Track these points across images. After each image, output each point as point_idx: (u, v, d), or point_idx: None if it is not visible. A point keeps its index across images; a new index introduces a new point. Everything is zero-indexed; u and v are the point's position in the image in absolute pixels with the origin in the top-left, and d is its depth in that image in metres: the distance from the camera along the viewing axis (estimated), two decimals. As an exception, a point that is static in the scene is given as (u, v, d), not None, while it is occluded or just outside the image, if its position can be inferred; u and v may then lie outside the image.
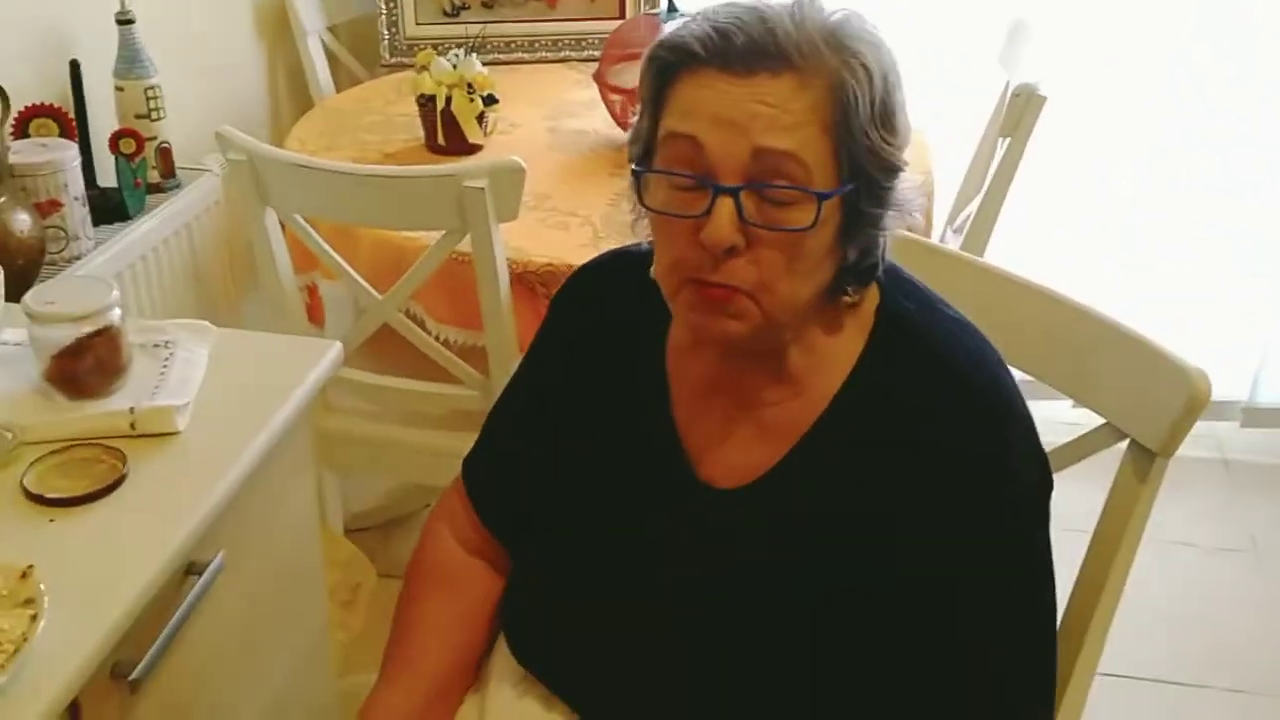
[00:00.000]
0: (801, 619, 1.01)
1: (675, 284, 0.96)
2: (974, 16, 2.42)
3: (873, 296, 1.03)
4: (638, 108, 1.00)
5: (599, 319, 1.13)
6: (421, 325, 1.79)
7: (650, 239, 1.00)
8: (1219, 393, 1.22)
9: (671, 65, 0.93)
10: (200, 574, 1.06)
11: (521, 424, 1.18)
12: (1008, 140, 1.97)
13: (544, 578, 1.13)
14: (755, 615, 1.02)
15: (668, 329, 1.09)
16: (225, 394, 1.20)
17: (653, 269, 0.99)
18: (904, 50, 0.97)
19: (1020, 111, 1.90)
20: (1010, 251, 2.11)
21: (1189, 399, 1.14)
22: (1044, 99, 1.91)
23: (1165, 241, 2.56)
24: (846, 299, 1.00)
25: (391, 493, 2.39)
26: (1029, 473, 1.00)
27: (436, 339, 1.78)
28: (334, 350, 1.28)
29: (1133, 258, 2.56)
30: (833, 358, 1.01)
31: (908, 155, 0.97)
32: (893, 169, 0.95)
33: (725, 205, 0.90)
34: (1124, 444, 1.23)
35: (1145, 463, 1.20)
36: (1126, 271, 2.54)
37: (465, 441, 1.84)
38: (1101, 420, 1.25)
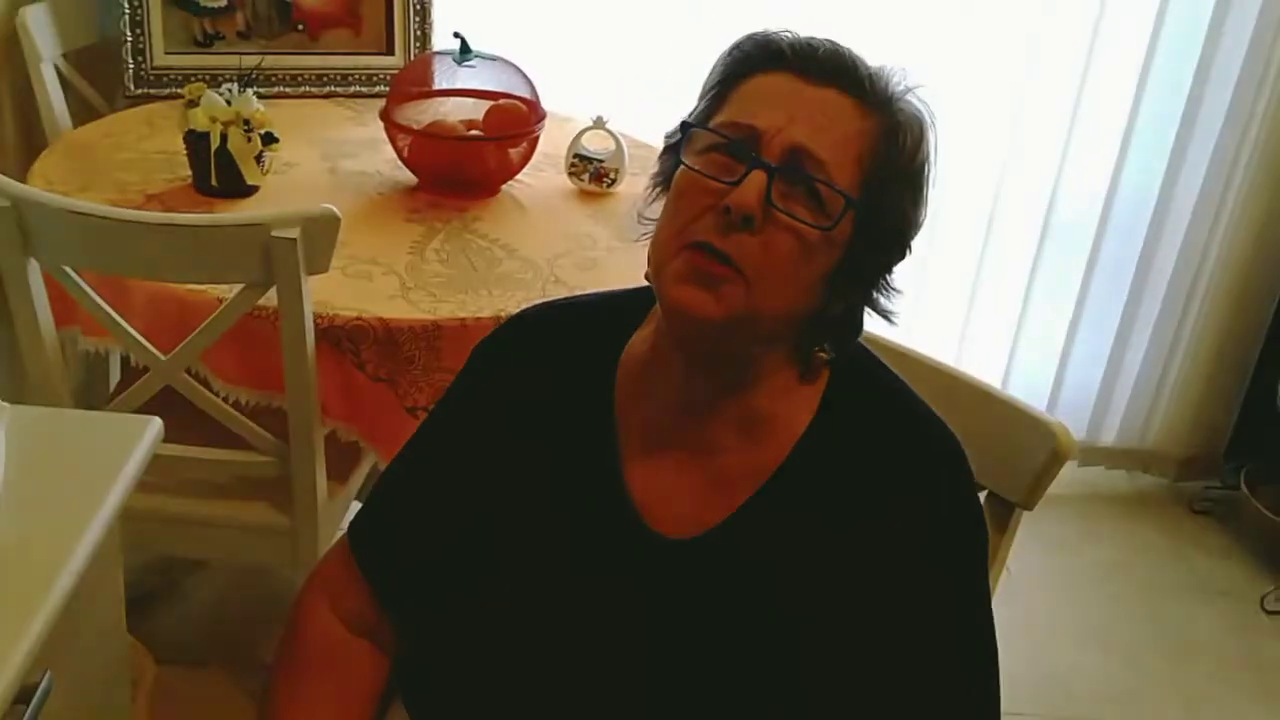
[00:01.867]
0: (759, 672, 0.97)
1: (674, 250, 0.94)
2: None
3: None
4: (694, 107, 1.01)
5: (532, 371, 1.07)
6: (206, 385, 1.63)
7: (646, 233, 1.00)
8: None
9: (753, 60, 0.97)
10: (28, 702, 0.90)
11: (431, 485, 1.09)
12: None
13: (465, 649, 1.04)
14: (710, 669, 0.98)
15: (615, 377, 1.04)
16: (33, 485, 1.02)
17: (649, 248, 0.98)
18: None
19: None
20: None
21: (1052, 453, 1.19)
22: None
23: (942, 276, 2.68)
24: (822, 355, 1.00)
25: (146, 567, 2.17)
26: (981, 530, 1.03)
27: (225, 401, 1.62)
28: (153, 428, 1.13)
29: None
30: (794, 407, 1.01)
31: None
32: (902, 239, 0.98)
33: (757, 178, 0.92)
34: (982, 495, 1.27)
35: (1005, 514, 1.24)
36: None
37: (254, 513, 1.73)
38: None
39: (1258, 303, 2.66)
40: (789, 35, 0.97)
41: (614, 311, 1.08)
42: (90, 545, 0.99)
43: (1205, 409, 2.76)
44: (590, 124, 2.02)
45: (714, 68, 1.00)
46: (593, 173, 2.02)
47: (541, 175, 2.06)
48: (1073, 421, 2.77)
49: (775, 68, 0.96)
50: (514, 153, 1.99)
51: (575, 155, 2.03)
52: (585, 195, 2.02)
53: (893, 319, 1.02)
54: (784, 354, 1.00)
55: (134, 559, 2.13)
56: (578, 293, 1.66)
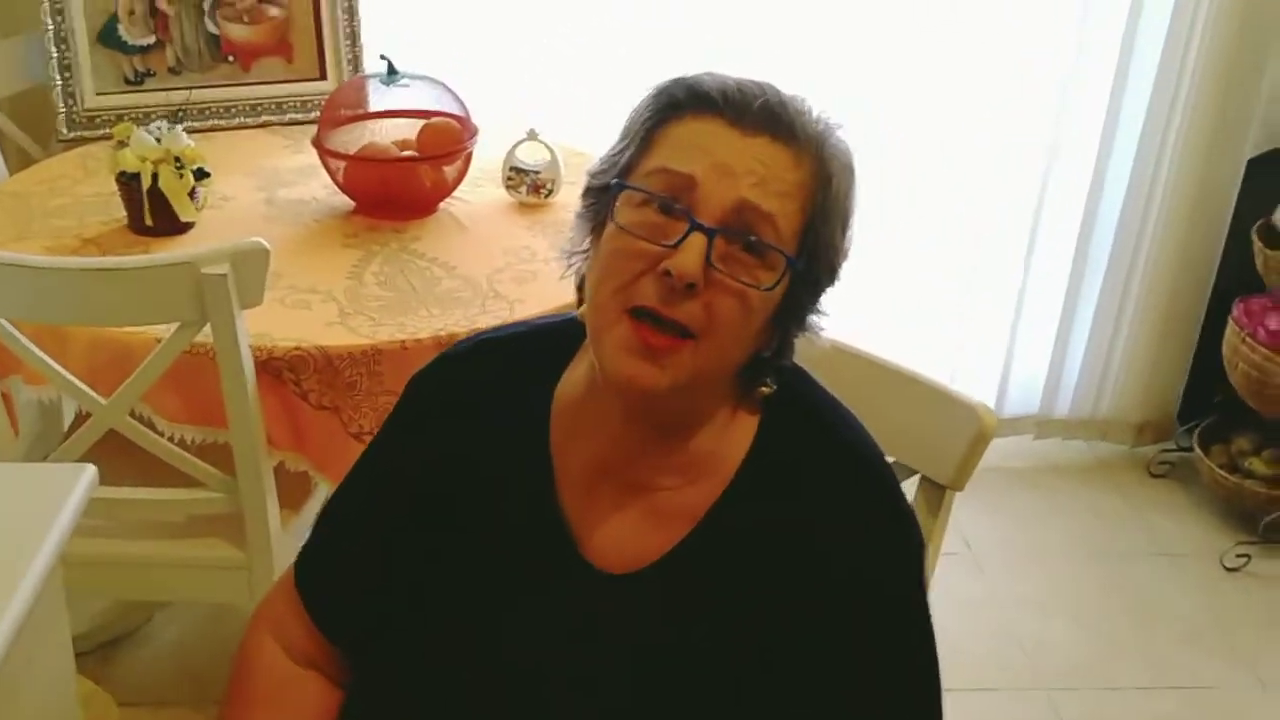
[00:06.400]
0: (702, 706, 0.99)
1: (614, 314, 0.94)
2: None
3: None
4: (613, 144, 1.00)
5: (467, 405, 1.08)
6: (150, 426, 1.63)
7: (580, 270, 1.01)
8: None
9: (680, 105, 0.96)
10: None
11: (370, 519, 1.10)
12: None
13: (407, 681, 1.05)
14: (652, 703, 0.99)
15: (549, 410, 1.05)
16: (-34, 542, 1.04)
17: (583, 305, 0.99)
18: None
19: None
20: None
21: (976, 434, 1.21)
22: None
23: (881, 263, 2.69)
24: (764, 389, 1.01)
25: (108, 611, 2.17)
26: (917, 539, 1.04)
27: (170, 440, 1.63)
28: (87, 476, 1.14)
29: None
30: (732, 442, 1.02)
31: None
32: (834, 274, 1.00)
33: (698, 241, 0.92)
34: (914, 479, 1.29)
35: (936, 496, 1.27)
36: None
37: (208, 549, 1.74)
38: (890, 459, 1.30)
39: (1198, 265, 2.70)
40: (714, 80, 0.96)
41: (546, 343, 1.08)
42: (26, 599, 1.00)
43: (1156, 373, 2.80)
44: (524, 136, 2.04)
45: (638, 110, 0.99)
46: (529, 184, 2.03)
47: (480, 190, 2.08)
48: (1026, 396, 2.82)
49: (704, 113, 0.95)
50: (449, 170, 2.00)
51: (511, 168, 2.05)
52: (524, 207, 2.03)
53: (819, 333, 1.03)
54: (724, 395, 1.01)
55: (94, 605, 2.14)
56: (517, 309, 1.69)
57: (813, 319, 1.01)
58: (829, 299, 1.02)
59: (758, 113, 0.94)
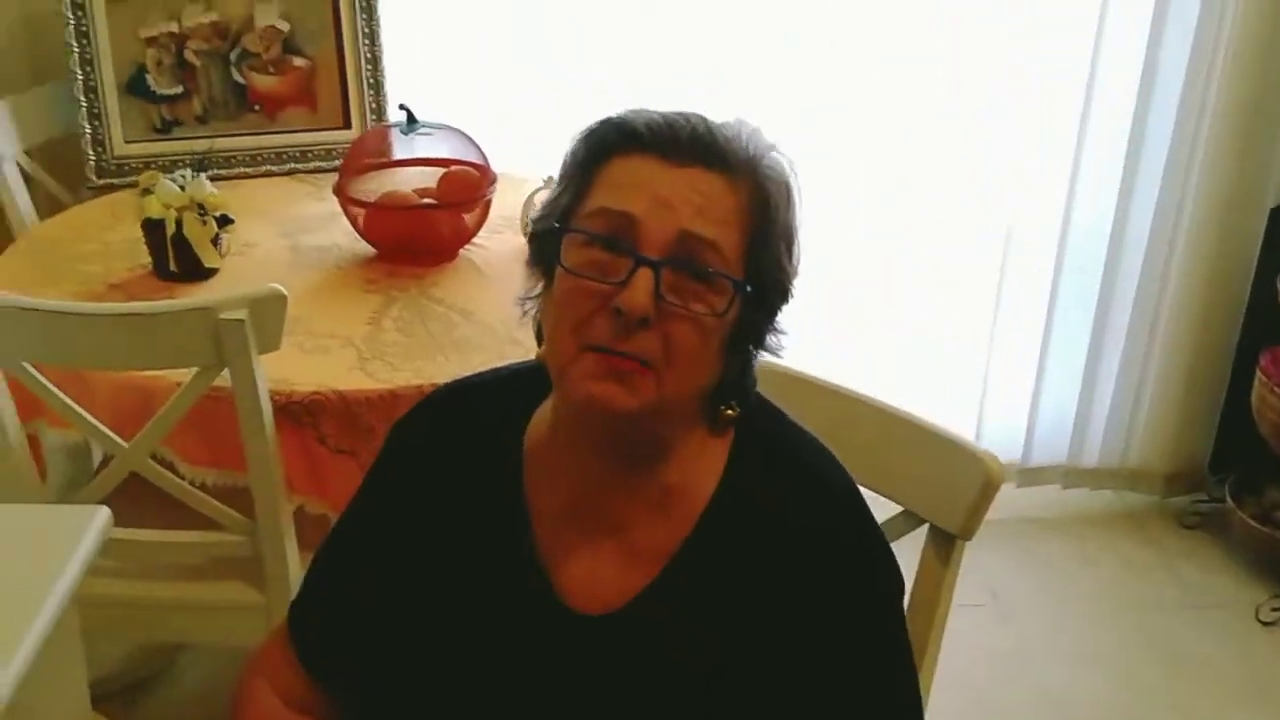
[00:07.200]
0: None
1: (573, 351, 0.94)
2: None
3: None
4: (548, 187, 1.06)
5: (445, 451, 1.09)
6: (172, 470, 1.65)
7: (535, 315, 1.02)
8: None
9: (610, 145, 0.97)
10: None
11: (357, 566, 1.11)
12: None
13: None
14: None
15: (522, 453, 1.06)
16: (-21, 583, 1.05)
17: (542, 345, 1.00)
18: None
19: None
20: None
21: (984, 483, 1.20)
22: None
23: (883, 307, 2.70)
24: (729, 412, 1.02)
25: (132, 654, 2.19)
26: (890, 569, 1.04)
27: (191, 484, 1.64)
28: (101, 517, 1.16)
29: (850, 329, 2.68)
30: (702, 473, 1.02)
31: None
32: (785, 292, 1.00)
33: (644, 276, 0.93)
34: (924, 528, 1.28)
35: (946, 546, 1.26)
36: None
37: (228, 592, 1.75)
38: (900, 508, 1.29)
39: (1223, 314, 2.68)
40: (641, 116, 0.97)
41: (518, 387, 1.09)
42: (37, 638, 1.01)
43: (1184, 423, 2.77)
44: (541, 184, 2.05)
45: (571, 154, 1.01)
46: (548, 232, 2.05)
47: (499, 237, 2.10)
48: (1053, 445, 2.79)
49: (634, 150, 0.96)
50: (468, 217, 2.02)
51: (530, 216, 2.06)
52: (543, 254, 2.05)
53: (779, 354, 1.04)
54: (690, 422, 1.02)
55: (118, 648, 2.15)
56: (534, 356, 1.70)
57: (772, 340, 1.02)
58: (788, 319, 1.03)
59: (687, 144, 0.95)
